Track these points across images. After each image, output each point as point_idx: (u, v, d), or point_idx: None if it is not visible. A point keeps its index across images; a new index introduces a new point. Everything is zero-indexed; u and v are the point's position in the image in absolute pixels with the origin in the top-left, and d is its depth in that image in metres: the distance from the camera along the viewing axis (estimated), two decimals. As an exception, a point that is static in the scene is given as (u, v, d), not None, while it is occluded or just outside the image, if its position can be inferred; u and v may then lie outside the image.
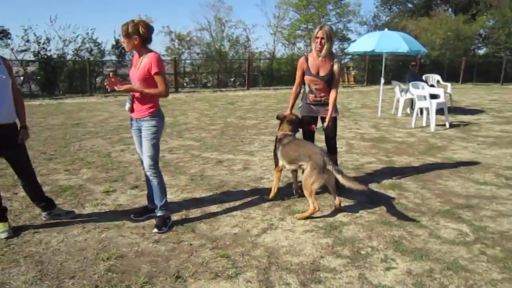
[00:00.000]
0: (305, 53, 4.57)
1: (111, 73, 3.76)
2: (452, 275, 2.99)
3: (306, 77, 4.44)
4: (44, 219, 3.91)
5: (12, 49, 17.83)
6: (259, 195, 4.59)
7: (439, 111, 8.50)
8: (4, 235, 3.57)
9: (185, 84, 19.23)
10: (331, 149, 4.66)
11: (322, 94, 4.44)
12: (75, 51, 17.54)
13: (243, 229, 3.75)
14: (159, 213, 3.80)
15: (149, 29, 3.63)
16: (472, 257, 3.25)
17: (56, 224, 3.80)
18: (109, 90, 3.73)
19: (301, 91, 4.67)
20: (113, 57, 18.82)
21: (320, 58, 4.33)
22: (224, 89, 17.42)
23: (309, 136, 4.65)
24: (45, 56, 16.04)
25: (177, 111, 11.13)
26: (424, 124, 8.67)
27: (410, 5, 31.16)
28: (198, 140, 7.34)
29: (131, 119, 3.84)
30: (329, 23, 23.58)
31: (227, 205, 4.30)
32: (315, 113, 4.57)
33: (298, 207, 4.23)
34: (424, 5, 29.91)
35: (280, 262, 3.17)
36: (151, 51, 3.69)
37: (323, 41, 4.23)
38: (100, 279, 2.93)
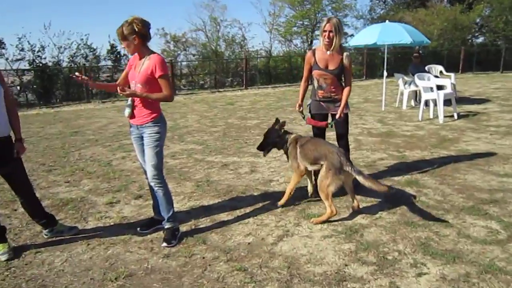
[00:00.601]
0: (313, 47, 4.37)
1: (75, 74, 3.46)
2: (491, 278, 2.76)
3: (315, 72, 4.22)
4: (45, 236, 3.67)
5: (7, 59, 17.55)
6: (270, 200, 4.36)
7: (446, 102, 8.27)
8: (4, 257, 3.33)
9: (182, 86, 18.98)
10: (343, 148, 4.43)
11: (332, 89, 4.23)
12: (71, 58, 17.29)
13: (257, 237, 3.52)
14: (167, 225, 3.56)
15: (145, 25, 3.37)
16: (509, 257, 3.02)
17: (58, 242, 3.57)
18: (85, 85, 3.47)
19: (309, 87, 4.47)
20: (109, 62, 18.59)
21: (329, 52, 4.12)
22: (222, 90, 17.16)
23: (320, 134, 4.43)
24: (41, 64, 15.78)
25: (177, 114, 10.89)
26: (431, 116, 8.45)
27: (405, -3, 30.96)
28: (201, 143, 7.11)
29: (131, 126, 3.60)
30: (325, 18, 23.38)
31: (238, 212, 4.07)
32: (325, 110, 4.36)
33: (313, 211, 4.00)
34: (419, -3, 29.72)
35: (302, 273, 2.94)
36: (153, 52, 3.46)
37: (331, 34, 4.01)
38: (109, 302, 2.70)
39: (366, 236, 3.45)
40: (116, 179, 5.29)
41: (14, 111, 3.43)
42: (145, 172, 3.67)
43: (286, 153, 4.21)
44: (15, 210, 4.32)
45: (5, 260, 3.28)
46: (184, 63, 19.64)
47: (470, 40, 25.83)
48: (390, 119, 8.69)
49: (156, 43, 20.85)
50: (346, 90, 4.22)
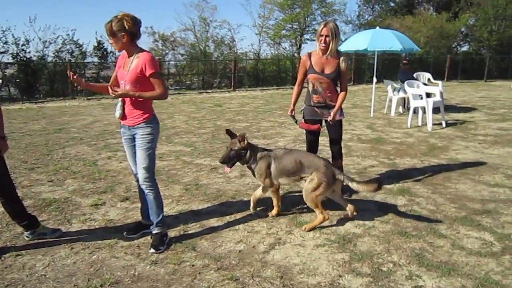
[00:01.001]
0: (308, 51, 4.31)
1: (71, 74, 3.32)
2: (488, 293, 2.72)
3: (310, 76, 4.13)
4: (27, 238, 3.51)
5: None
6: (260, 205, 4.25)
7: (434, 110, 8.30)
8: None
9: (169, 86, 18.77)
10: (336, 154, 4.41)
11: (328, 94, 4.15)
12: (56, 53, 16.93)
13: (248, 245, 3.42)
14: (155, 230, 3.43)
15: (136, 22, 3.25)
16: (504, 270, 2.98)
17: (41, 245, 3.41)
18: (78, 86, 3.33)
19: (301, 91, 4.40)
20: (95, 59, 18.27)
21: (325, 57, 4.05)
22: (210, 91, 17.02)
23: (313, 139, 4.35)
24: (25, 58, 15.40)
25: (164, 114, 10.71)
26: (419, 124, 8.47)
27: (392, 4, 31.26)
28: (189, 145, 6.98)
29: (122, 127, 3.48)
30: (314, 22, 23.45)
31: (228, 218, 3.97)
32: (319, 116, 4.28)
33: (305, 218, 3.92)
34: (406, 3, 30.06)
35: (295, 283, 2.86)
36: (142, 50, 3.34)
37: (327, 39, 3.94)
38: (93, 312, 2.57)
39: (360, 246, 3.38)
40: (101, 179, 5.13)
41: None
42: (135, 174, 3.55)
43: (251, 169, 3.85)
44: (-5, 210, 4.15)
45: None
46: (172, 62, 19.45)
47: (455, 49, 26.21)
48: (379, 125, 8.69)
49: (144, 42, 20.62)
50: (341, 94, 4.17)
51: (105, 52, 18.37)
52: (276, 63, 20.87)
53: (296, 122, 4.35)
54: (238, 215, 4.02)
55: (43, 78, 15.98)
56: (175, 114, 10.60)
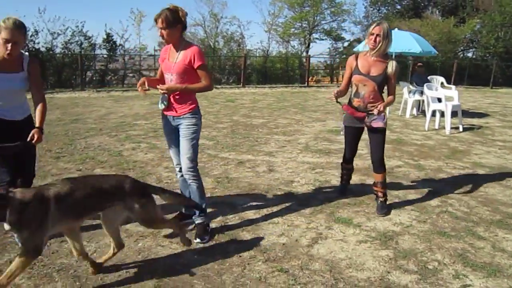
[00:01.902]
0: (358, 51, 4.03)
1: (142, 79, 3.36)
2: (539, 294, 2.75)
3: (354, 77, 3.93)
4: None
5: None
6: (294, 201, 4.29)
7: (452, 114, 8.34)
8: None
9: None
10: (376, 164, 4.05)
11: (371, 99, 3.86)
12: (64, 44, 16.90)
13: (290, 238, 3.45)
14: (198, 220, 3.45)
15: (186, 14, 3.32)
16: (550, 273, 3.02)
17: (83, 231, 3.41)
18: (142, 93, 3.32)
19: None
20: (104, 51, 18.24)
21: (372, 57, 3.86)
22: (219, 86, 17.01)
23: (354, 140, 4.16)
24: (33, 49, 15.36)
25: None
26: (436, 127, 8.50)
27: (398, 7, 31.33)
28: (210, 139, 6.99)
29: (164, 117, 3.50)
30: (323, 22, 23.47)
31: (265, 211, 3.99)
32: (358, 124, 4.01)
33: (342, 214, 3.94)
34: (412, 7, 30.12)
35: (345, 277, 2.88)
36: (189, 42, 3.40)
37: (378, 38, 3.75)
38: (151, 298, 2.58)
39: (402, 243, 3.41)
40: (130, 170, 5.14)
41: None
42: (176, 165, 3.57)
43: (11, 224, 2.39)
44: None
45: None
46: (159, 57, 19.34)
47: (461, 54, 26.29)
48: (396, 126, 8.71)
49: (153, 36, 20.61)
50: (389, 97, 3.94)
51: (114, 45, 18.38)
52: (284, 61, 20.91)
53: (340, 103, 4.01)
54: (274, 209, 4.04)
55: (51, 69, 15.96)
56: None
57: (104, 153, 5.88)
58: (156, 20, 3.23)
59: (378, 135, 3.98)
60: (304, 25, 23.28)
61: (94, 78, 17.29)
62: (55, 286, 2.68)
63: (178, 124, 3.39)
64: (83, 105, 11.01)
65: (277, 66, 20.49)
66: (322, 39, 24.19)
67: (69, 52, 16.68)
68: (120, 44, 18.58)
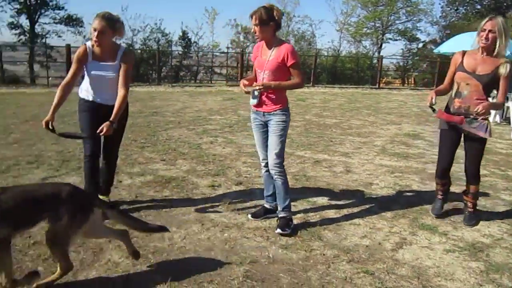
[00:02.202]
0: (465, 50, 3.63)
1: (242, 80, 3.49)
2: None
3: (457, 74, 3.55)
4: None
5: (84, 36, 18.42)
6: (374, 203, 4.22)
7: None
8: None
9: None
10: (470, 176, 3.76)
11: (474, 100, 3.44)
12: (143, 41, 17.80)
13: (373, 241, 3.40)
14: (281, 214, 3.52)
15: (282, 14, 3.40)
16: None
17: (171, 218, 3.61)
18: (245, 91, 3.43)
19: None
20: (179, 48, 18.97)
21: (481, 55, 3.47)
22: (288, 85, 17.06)
23: (450, 148, 3.74)
24: (116, 45, 16.31)
25: (248, 105, 10.91)
26: (523, 135, 7.94)
27: (478, 6, 29.45)
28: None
29: (254, 113, 3.59)
30: (397, 21, 22.72)
31: (345, 211, 3.96)
32: (456, 129, 3.65)
33: (426, 221, 3.82)
34: (494, 6, 28.20)
35: (434, 286, 2.80)
36: (282, 40, 3.47)
37: (491, 35, 3.32)
38: (240, 287, 2.67)
39: (493, 257, 3.24)
40: (210, 163, 5.32)
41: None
42: (262, 159, 3.64)
43: None
44: (120, 181, 4.46)
45: None
46: (252, 55, 19.67)
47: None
48: (478, 133, 8.25)
49: (226, 34, 21.14)
50: (498, 98, 3.56)
51: (188, 42, 19.08)
52: (355, 62, 20.52)
53: (434, 111, 3.74)
54: (355, 210, 4.01)
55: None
56: (260, 106, 10.72)
57: (185, 145, 6.13)
58: (251, 16, 3.34)
59: (477, 144, 3.63)
60: (377, 25, 22.69)
61: (169, 74, 18.05)
62: (151, 267, 2.85)
63: (268, 120, 3.47)
64: (160, 99, 11.54)
65: (347, 66, 20.16)
66: (396, 40, 23.48)
67: (147, 48, 17.53)
68: (194, 41, 19.29)
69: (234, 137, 6.82)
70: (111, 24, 3.40)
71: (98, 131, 3.35)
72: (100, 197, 3.75)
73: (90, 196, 2.69)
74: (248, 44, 20.03)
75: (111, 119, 3.43)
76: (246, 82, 3.44)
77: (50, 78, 15.04)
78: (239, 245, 3.22)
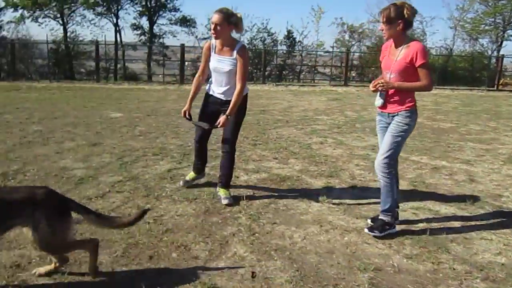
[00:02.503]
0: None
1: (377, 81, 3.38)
2: None
3: None
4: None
5: (196, 36, 19.51)
6: (506, 217, 3.85)
7: None
8: (225, 201, 3.84)
9: (350, 78, 18.66)
10: None
11: None
12: (250, 40, 18.30)
13: (510, 259, 3.10)
14: (380, 216, 3.43)
15: (414, 12, 3.25)
16: None
17: (289, 217, 3.66)
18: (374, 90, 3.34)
19: None
20: (284, 47, 19.19)
21: None
22: (395, 86, 16.35)
23: None
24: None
25: (356, 105, 10.68)
26: None
27: None
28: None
29: (379, 115, 3.49)
30: None
31: (473, 224, 3.68)
32: None
33: None
34: None
35: None
36: (412, 39, 3.30)
37: None
38: (366, 294, 2.62)
39: None
40: (322, 163, 5.30)
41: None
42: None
43: None
44: (237, 177, 4.63)
45: (225, 204, 3.82)
46: (356, 54, 19.22)
47: None
48: None
49: (331, 32, 20.90)
50: None
51: (293, 41, 19.21)
52: (470, 61, 18.99)
53: None
54: (484, 223, 3.70)
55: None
56: (367, 106, 10.44)
57: (295, 145, 6.18)
58: (380, 13, 3.27)
59: None
60: (498, 21, 20.66)
61: (272, 73, 18.36)
62: (274, 264, 2.91)
63: (392, 121, 3.36)
64: (265, 97, 11.79)
65: (459, 66, 18.73)
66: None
67: (254, 48, 18.00)
68: (299, 41, 19.36)
69: (344, 139, 6.71)
70: (226, 17, 3.64)
71: (216, 124, 3.76)
72: (220, 189, 3.97)
73: (66, 200, 2.58)
74: (353, 43, 19.56)
75: (227, 112, 3.72)
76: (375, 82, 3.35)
77: (165, 76, 16.19)
78: (360, 250, 3.15)
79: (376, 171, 3.44)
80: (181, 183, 4.30)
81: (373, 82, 3.33)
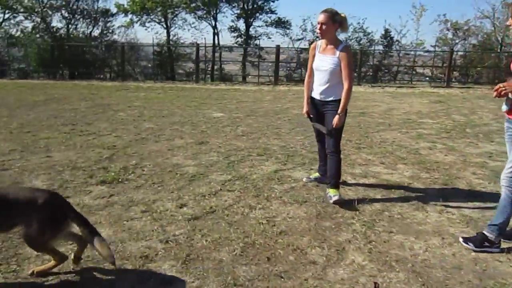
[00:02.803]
0: None
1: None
2: None
3: None
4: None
5: (290, 38, 19.62)
6: None
7: None
8: (335, 198, 3.85)
9: (452, 79, 17.42)
10: None
11: None
12: (344, 40, 17.95)
13: None
14: (485, 230, 3.12)
15: None
16: None
17: (408, 226, 3.48)
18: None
19: None
20: (380, 47, 18.55)
21: None
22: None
23: None
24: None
25: (463, 108, 9.94)
26: None
27: None
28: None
29: (507, 121, 3.16)
30: None
31: None
32: None
33: None
34: None
35: None
36: None
37: None
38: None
39: None
40: (434, 170, 4.98)
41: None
42: None
43: None
44: (344, 181, 4.51)
45: (333, 202, 3.84)
46: (460, 53, 17.88)
47: None
48: None
49: (433, 30, 19.74)
50: None
51: (390, 41, 18.46)
52: None
53: None
54: None
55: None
56: (476, 110, 9.67)
57: (402, 149, 5.90)
58: (508, 7, 3.00)
59: None
60: None
61: (367, 74, 17.81)
62: (397, 276, 2.77)
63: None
64: (363, 99, 11.44)
65: None
66: None
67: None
68: (396, 40, 18.57)
69: (455, 144, 6.26)
70: (331, 16, 3.73)
71: (333, 126, 3.82)
72: (330, 189, 3.94)
73: (67, 208, 2.63)
74: (457, 41, 18.26)
75: (338, 111, 3.79)
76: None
77: (259, 77, 16.49)
78: (492, 268, 2.89)
79: (501, 182, 3.13)
80: (304, 179, 4.52)
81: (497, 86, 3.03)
